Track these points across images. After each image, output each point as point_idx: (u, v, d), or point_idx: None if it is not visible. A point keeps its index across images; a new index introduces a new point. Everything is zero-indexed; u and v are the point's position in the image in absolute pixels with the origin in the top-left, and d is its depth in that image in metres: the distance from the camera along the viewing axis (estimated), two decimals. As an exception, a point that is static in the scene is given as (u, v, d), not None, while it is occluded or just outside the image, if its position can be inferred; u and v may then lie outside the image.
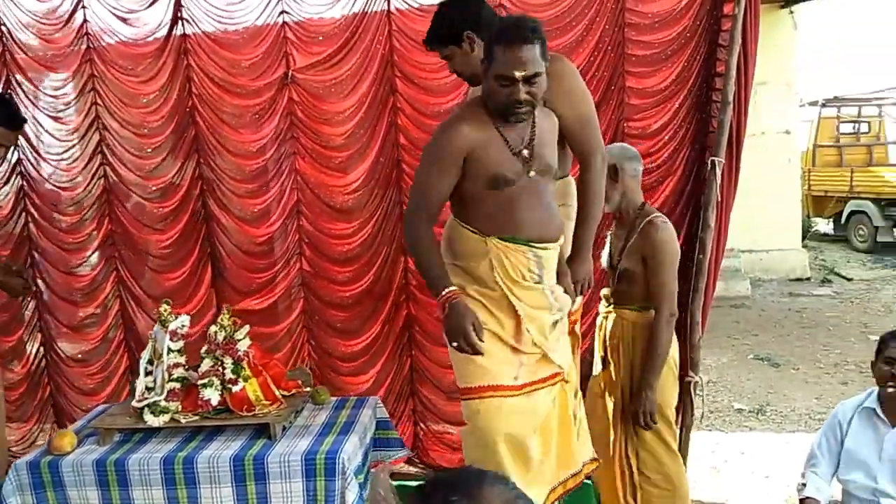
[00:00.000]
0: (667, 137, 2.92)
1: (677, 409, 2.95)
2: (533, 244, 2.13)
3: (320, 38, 3.24)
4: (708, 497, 3.40)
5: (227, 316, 2.40)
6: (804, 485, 2.53)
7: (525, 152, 2.09)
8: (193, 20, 3.30)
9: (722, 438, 4.08)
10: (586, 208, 2.31)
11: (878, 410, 2.47)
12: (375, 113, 3.24)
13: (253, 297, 3.53)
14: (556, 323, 2.22)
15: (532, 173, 2.10)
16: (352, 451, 2.25)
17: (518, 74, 1.95)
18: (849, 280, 8.56)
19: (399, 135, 3.25)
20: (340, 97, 3.28)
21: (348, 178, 3.32)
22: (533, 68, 1.96)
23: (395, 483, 2.85)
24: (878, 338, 6.17)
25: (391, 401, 3.41)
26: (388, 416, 2.74)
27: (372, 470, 2.55)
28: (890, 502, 2.43)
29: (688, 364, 2.87)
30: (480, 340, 2.07)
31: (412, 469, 3.39)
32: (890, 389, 2.39)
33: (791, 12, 8.52)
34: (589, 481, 2.69)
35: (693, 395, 2.86)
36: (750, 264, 8.35)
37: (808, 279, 8.56)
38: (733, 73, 2.71)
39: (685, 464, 2.95)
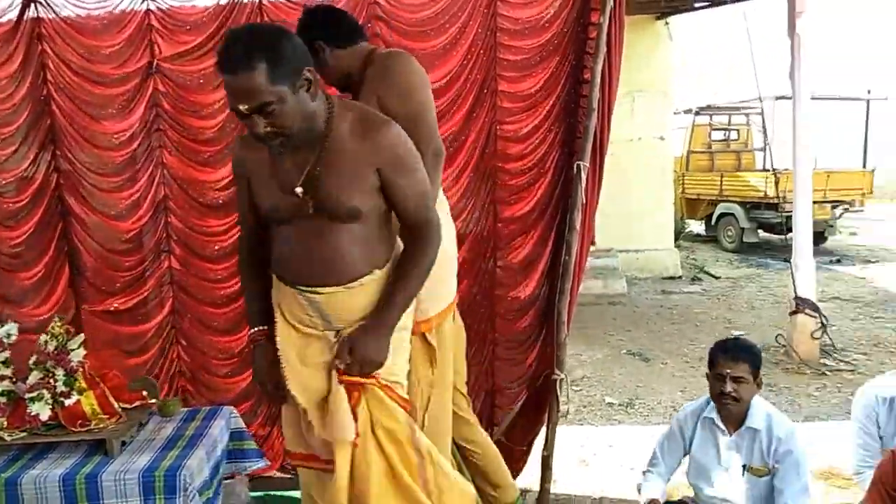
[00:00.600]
0: (537, 141, 2.99)
1: (544, 406, 3.06)
2: (301, 287, 1.86)
3: (188, 27, 3.10)
4: (576, 490, 3.53)
5: (60, 324, 2.25)
6: (643, 484, 2.68)
7: (299, 189, 1.78)
8: (48, 3, 3.09)
9: (592, 432, 4.25)
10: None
11: (717, 420, 2.63)
12: (246, 107, 3.14)
13: (117, 296, 3.35)
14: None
15: (311, 210, 1.79)
16: (196, 466, 2.15)
17: (242, 107, 1.64)
18: (717, 278, 9.17)
19: (271, 130, 3.16)
20: (209, 89, 3.16)
21: (218, 173, 3.20)
22: (256, 99, 1.61)
23: (262, 493, 2.77)
24: (740, 332, 6.64)
25: (266, 403, 3.32)
26: (243, 425, 2.63)
27: (229, 481, 2.46)
28: None
29: (554, 362, 2.97)
30: (278, 390, 1.90)
31: (285, 475, 3.31)
32: (727, 404, 2.52)
33: (667, 23, 9.00)
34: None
35: (558, 393, 2.95)
36: (627, 263, 8.77)
37: (679, 277, 9.09)
38: (598, 80, 2.81)
39: (552, 460, 3.05)
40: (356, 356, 1.80)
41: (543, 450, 3.04)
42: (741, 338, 2.71)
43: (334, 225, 1.80)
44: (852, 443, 3.11)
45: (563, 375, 2.97)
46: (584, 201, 2.91)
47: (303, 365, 1.86)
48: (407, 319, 1.93)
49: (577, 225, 2.91)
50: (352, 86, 2.30)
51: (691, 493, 2.80)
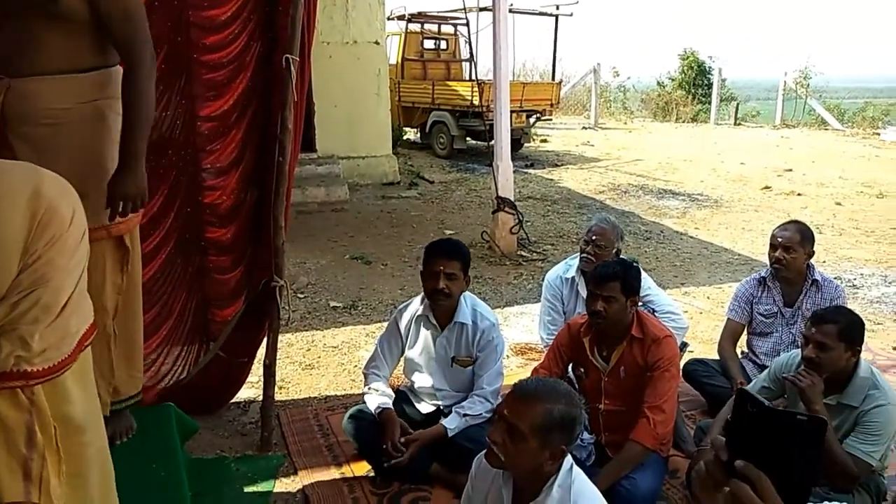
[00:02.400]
0: (237, 30, 2.72)
1: (265, 315, 2.95)
2: None
3: None
4: (303, 394, 3.54)
5: None
6: (370, 388, 2.78)
7: None
8: None
9: (317, 336, 4.27)
10: (130, 111, 2.02)
11: (430, 317, 2.79)
12: None
13: None
14: None
15: None
16: None
17: None
18: (431, 183, 9.68)
19: None
20: None
21: None
22: None
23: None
24: (451, 232, 7.05)
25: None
26: None
27: None
28: (444, 394, 2.82)
29: (273, 268, 2.85)
30: None
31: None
32: (440, 301, 2.70)
33: (377, -79, 8.84)
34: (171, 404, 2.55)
35: (279, 300, 2.86)
36: (349, 170, 8.81)
37: (398, 183, 9.41)
38: (301, -37, 2.61)
39: (275, 367, 2.99)
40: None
41: (265, 358, 2.95)
42: (453, 238, 2.87)
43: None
44: (541, 320, 3.55)
45: (282, 282, 2.87)
46: (296, 98, 2.75)
47: None
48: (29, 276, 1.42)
49: (290, 124, 2.76)
50: None
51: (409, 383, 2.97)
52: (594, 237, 3.32)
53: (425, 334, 2.83)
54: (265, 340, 2.99)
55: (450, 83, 12.31)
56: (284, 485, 2.77)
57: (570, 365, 2.79)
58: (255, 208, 2.90)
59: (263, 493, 2.70)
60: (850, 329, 2.34)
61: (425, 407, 2.87)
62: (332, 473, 2.82)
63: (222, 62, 2.71)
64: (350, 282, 5.38)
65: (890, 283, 5.56)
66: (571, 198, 8.91)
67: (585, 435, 2.71)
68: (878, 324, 4.64)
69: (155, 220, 2.71)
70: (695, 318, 4.66)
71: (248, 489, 2.72)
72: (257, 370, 3.21)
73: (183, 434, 2.66)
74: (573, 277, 3.43)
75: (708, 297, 5.16)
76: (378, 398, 2.74)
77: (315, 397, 3.50)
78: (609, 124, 18.57)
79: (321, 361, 3.92)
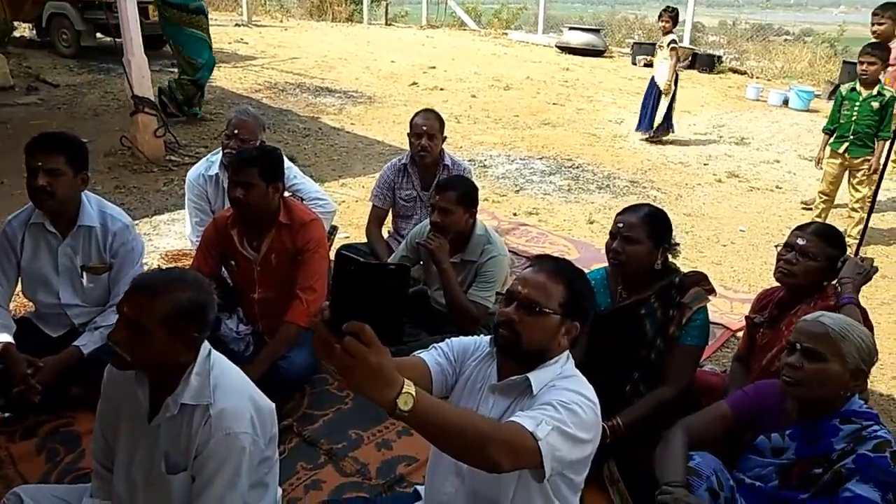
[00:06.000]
0: None
1: None
2: None
3: None
4: None
5: None
6: None
7: None
8: None
9: None
10: None
11: (46, 224, 2.44)
12: None
13: None
14: None
15: None
16: None
17: None
18: (56, 86, 8.29)
19: None
20: None
21: None
22: None
23: None
24: (86, 140, 6.22)
25: None
26: None
27: None
28: (77, 312, 2.52)
29: None
30: None
31: None
32: (45, 200, 2.35)
33: None
34: None
35: None
36: (-64, 72, 7.10)
37: (12, 88, 7.88)
38: None
39: None
40: None
41: None
42: (61, 131, 2.51)
43: None
44: (189, 221, 3.37)
45: None
46: None
47: None
48: None
49: None
50: None
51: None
52: (236, 130, 3.18)
53: (44, 244, 2.47)
54: None
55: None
56: None
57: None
58: None
59: None
60: (466, 194, 2.64)
61: (55, 331, 2.54)
62: (-57, 424, 2.38)
63: None
64: (-49, 205, 4.43)
65: (512, 161, 6.43)
66: (225, 97, 8.42)
67: (242, 327, 2.68)
68: (503, 195, 5.36)
69: None
70: (351, 206, 4.85)
71: None
72: None
73: None
74: (217, 174, 3.27)
75: (363, 187, 5.40)
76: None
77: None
78: (264, 22, 17.79)
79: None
